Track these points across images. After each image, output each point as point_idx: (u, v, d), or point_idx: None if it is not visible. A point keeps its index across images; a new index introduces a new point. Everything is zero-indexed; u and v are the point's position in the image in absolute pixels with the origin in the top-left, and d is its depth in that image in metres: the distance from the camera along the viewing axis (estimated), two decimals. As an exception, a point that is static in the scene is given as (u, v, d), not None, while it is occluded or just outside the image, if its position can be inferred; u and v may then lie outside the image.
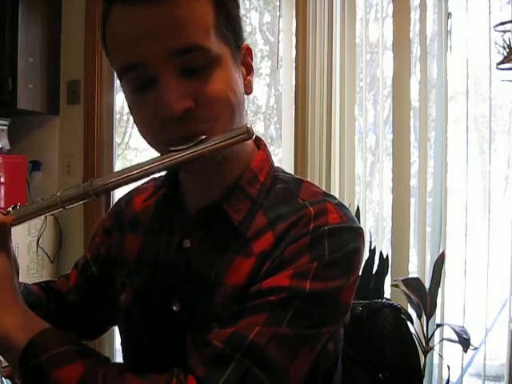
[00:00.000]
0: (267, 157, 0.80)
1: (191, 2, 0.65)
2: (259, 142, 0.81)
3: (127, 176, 0.68)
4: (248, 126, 0.67)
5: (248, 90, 0.75)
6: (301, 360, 0.65)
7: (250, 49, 0.77)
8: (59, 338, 0.65)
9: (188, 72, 0.66)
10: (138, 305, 0.79)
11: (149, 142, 0.72)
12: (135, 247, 0.83)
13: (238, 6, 0.74)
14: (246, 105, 0.75)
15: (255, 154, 0.79)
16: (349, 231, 0.71)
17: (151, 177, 0.80)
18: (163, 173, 0.83)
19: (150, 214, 0.84)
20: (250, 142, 0.78)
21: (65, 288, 0.91)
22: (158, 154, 0.70)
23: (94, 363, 0.63)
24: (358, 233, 0.72)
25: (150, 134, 0.70)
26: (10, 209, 0.70)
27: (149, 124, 0.69)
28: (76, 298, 0.90)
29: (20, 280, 0.75)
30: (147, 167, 0.68)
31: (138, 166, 0.69)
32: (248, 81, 0.76)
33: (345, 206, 0.74)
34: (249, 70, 0.76)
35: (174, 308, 0.74)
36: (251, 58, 0.77)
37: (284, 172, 0.81)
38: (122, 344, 0.85)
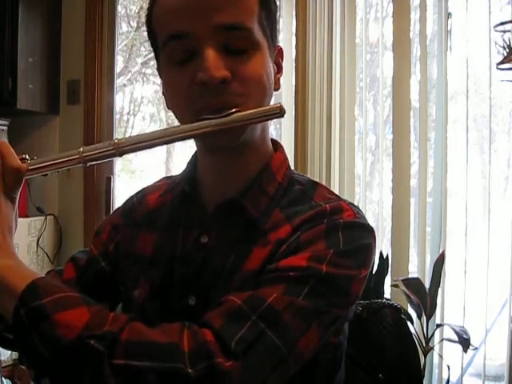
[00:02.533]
0: (284, 158, 0.83)
1: None
2: (276, 145, 0.84)
3: (155, 138, 0.69)
4: (281, 104, 0.70)
5: (277, 86, 0.80)
6: (311, 334, 0.66)
7: (282, 50, 0.82)
8: (59, 284, 0.64)
9: (230, 49, 0.70)
10: (153, 300, 0.79)
11: (179, 113, 0.74)
12: (150, 243, 0.83)
13: (277, 9, 0.79)
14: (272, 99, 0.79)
15: (273, 154, 0.82)
16: (362, 227, 0.74)
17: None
18: (179, 170, 0.85)
19: (166, 211, 0.85)
20: (269, 143, 0.82)
21: (58, 281, 0.87)
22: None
23: (100, 309, 0.61)
24: (371, 231, 0.76)
25: (184, 102, 0.72)
26: (28, 157, 0.69)
27: (184, 91, 0.71)
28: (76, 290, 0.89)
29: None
30: (176, 131, 0.70)
31: (167, 129, 0.70)
32: (277, 78, 0.80)
33: (358, 207, 0.77)
34: (279, 69, 0.82)
35: (190, 302, 0.75)
36: (282, 59, 0.83)
37: (299, 174, 0.84)
38: None
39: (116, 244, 0.88)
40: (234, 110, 0.69)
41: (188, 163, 0.86)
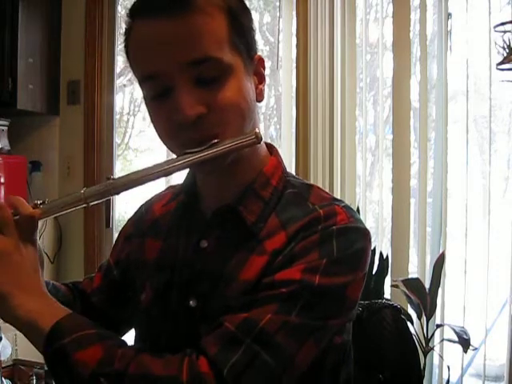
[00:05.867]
0: (279, 162, 0.85)
1: (206, 18, 0.71)
2: (271, 149, 0.86)
3: (145, 175, 0.74)
4: (257, 131, 0.72)
5: (259, 97, 0.80)
6: (307, 349, 0.69)
7: (263, 59, 0.82)
8: (80, 322, 0.70)
9: (202, 82, 0.71)
10: (156, 303, 0.83)
11: (166, 145, 0.78)
12: (155, 250, 0.87)
13: (250, 19, 0.79)
14: (257, 111, 0.80)
15: (268, 159, 0.83)
16: (356, 231, 0.75)
17: (168, 178, 0.84)
18: (181, 178, 0.89)
19: (169, 219, 0.88)
20: (262, 149, 0.84)
21: (89, 289, 0.96)
22: (173, 156, 0.75)
23: (111, 345, 0.68)
24: (365, 233, 0.76)
25: (167, 137, 0.76)
26: (39, 203, 0.75)
27: (165, 129, 0.75)
28: (99, 299, 0.95)
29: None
30: (164, 167, 0.73)
31: (156, 166, 0.74)
32: (260, 89, 0.80)
33: (352, 209, 0.78)
34: (261, 79, 0.81)
35: (191, 304, 0.78)
36: (263, 68, 0.82)
37: (295, 177, 0.85)
38: (138, 342, 0.89)
39: (127, 253, 0.94)
40: (214, 141, 0.72)
41: (187, 173, 0.89)
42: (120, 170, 2.95)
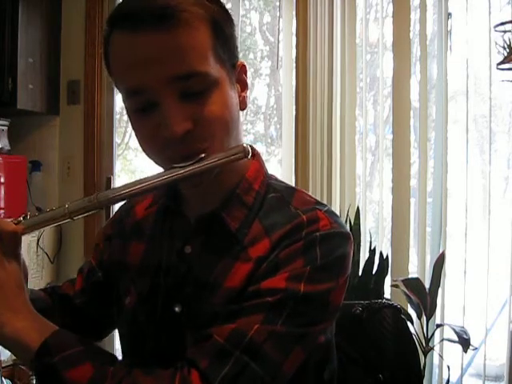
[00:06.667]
0: (261, 166, 0.84)
1: (190, 31, 0.69)
2: (253, 152, 0.84)
3: (131, 190, 0.73)
4: (244, 145, 0.72)
5: (242, 106, 0.79)
6: (294, 356, 0.70)
7: (245, 65, 0.81)
8: (68, 339, 0.70)
9: (187, 96, 0.70)
10: (142, 307, 0.82)
11: (151, 158, 0.76)
12: (139, 253, 0.87)
13: (232, 27, 0.77)
14: (241, 119, 0.80)
15: (250, 163, 0.82)
16: (338, 237, 0.76)
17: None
18: None
19: (152, 222, 0.88)
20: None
21: (71, 292, 0.95)
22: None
23: (102, 363, 0.68)
24: (347, 238, 0.77)
25: (152, 152, 0.75)
26: (21, 218, 0.74)
27: (150, 143, 0.74)
28: (82, 301, 0.94)
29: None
30: (150, 182, 0.72)
31: (142, 180, 0.73)
32: (243, 97, 0.79)
33: (334, 213, 0.79)
34: (243, 86, 0.80)
35: (176, 309, 0.78)
36: (245, 75, 0.81)
37: (277, 180, 0.85)
38: (124, 345, 0.88)
39: (109, 254, 0.93)
40: (200, 156, 0.71)
41: None
42: (120, 169, 2.95)
